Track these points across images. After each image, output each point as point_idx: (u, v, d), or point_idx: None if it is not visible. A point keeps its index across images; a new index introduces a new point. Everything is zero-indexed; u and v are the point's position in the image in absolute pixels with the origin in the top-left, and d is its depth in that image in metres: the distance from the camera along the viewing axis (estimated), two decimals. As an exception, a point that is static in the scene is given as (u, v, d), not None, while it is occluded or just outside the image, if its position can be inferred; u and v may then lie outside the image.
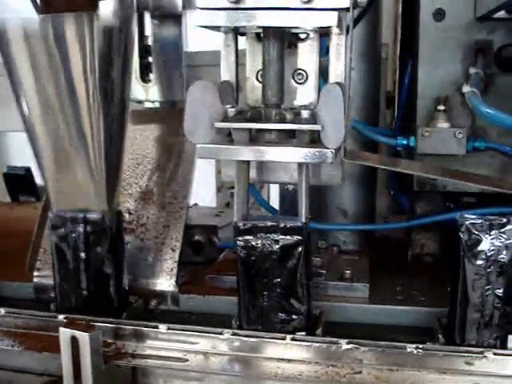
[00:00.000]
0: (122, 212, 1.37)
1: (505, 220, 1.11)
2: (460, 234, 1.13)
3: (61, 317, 1.31)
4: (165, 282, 1.43)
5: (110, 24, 1.20)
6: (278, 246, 1.20)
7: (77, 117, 1.21)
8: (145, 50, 1.67)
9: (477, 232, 1.12)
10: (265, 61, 1.18)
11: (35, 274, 1.51)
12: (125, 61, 1.26)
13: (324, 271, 1.45)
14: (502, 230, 1.11)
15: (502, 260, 1.12)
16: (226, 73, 1.26)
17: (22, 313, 1.35)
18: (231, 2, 1.06)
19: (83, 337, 1.16)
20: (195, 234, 1.60)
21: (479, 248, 1.12)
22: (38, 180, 2.52)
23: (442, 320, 1.24)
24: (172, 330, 1.24)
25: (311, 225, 1.24)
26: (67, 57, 1.15)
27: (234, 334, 1.21)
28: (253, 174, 1.30)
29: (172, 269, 1.44)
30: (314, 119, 1.12)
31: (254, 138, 1.17)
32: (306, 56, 1.24)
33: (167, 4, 1.55)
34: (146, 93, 1.66)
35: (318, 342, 1.18)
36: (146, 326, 1.26)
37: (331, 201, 1.64)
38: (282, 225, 1.20)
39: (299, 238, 1.20)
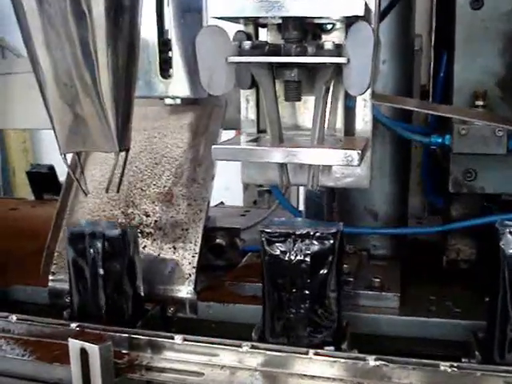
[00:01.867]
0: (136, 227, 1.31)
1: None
2: (500, 243, 1.03)
3: (73, 325, 1.25)
4: (183, 289, 1.36)
5: None
6: (308, 255, 1.11)
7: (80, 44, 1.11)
8: (165, 45, 1.59)
9: None
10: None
11: (50, 278, 1.46)
12: None
13: (352, 279, 1.35)
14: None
15: (548, 272, 1.01)
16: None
17: (33, 320, 1.30)
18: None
19: (93, 349, 1.09)
20: (216, 237, 1.52)
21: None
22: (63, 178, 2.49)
23: (478, 334, 1.14)
24: (188, 341, 1.17)
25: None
26: None
27: (253, 347, 1.13)
28: (275, 175, 1.21)
29: (190, 274, 1.36)
30: (338, 51, 1.01)
31: (275, 75, 1.08)
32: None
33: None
34: (166, 89, 1.58)
35: (343, 358, 1.09)
36: (161, 337, 1.19)
37: (359, 201, 1.55)
38: (313, 232, 1.12)
39: (331, 246, 1.12)
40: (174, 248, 1.39)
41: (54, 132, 1.21)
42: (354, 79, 1.01)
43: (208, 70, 1.06)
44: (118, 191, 1.26)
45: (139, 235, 1.40)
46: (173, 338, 1.18)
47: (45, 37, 1.12)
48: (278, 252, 1.13)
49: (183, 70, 1.59)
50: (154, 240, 1.41)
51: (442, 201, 1.59)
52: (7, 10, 4.09)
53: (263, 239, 1.14)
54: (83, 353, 1.11)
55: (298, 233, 1.12)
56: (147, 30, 1.51)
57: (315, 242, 1.12)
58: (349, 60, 1.00)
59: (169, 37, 1.59)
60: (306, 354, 1.11)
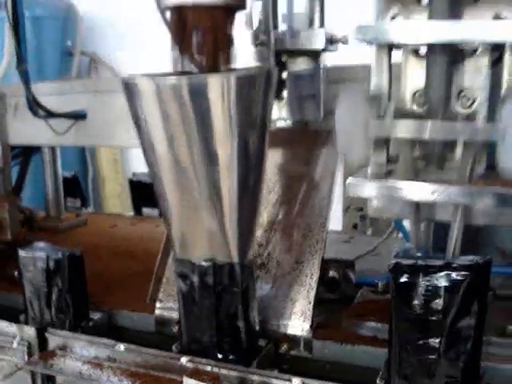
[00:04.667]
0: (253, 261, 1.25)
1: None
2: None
3: (184, 359, 1.19)
4: (297, 325, 1.28)
5: (249, 75, 1.07)
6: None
7: (210, 170, 1.09)
8: (279, 66, 1.53)
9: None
10: (429, 80, 1.01)
11: (157, 305, 1.41)
12: (264, 113, 1.12)
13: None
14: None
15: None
16: (378, 88, 1.10)
17: (142, 351, 1.25)
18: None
19: (210, 392, 1.03)
20: (329, 269, 1.43)
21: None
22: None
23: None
24: (307, 385, 1.09)
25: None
26: (203, 114, 1.03)
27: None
28: (405, 209, 1.12)
29: (306, 311, 1.28)
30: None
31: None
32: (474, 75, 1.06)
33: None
34: (279, 110, 1.52)
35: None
36: (277, 378, 1.12)
37: (489, 239, 1.42)
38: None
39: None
40: (289, 281, 1.31)
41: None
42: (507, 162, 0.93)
43: (345, 134, 1.03)
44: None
45: (251, 265, 1.34)
46: (290, 381, 1.11)
47: (175, 177, 1.11)
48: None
49: (295, 91, 1.53)
50: (267, 272, 1.34)
51: None
52: (97, 25, 4.20)
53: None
54: (199, 394, 1.05)
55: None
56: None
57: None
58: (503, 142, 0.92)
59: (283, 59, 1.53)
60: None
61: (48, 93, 1.99)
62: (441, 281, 0.97)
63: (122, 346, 1.28)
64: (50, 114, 1.93)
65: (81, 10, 4.77)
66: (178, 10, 1.07)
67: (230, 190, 1.10)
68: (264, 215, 1.39)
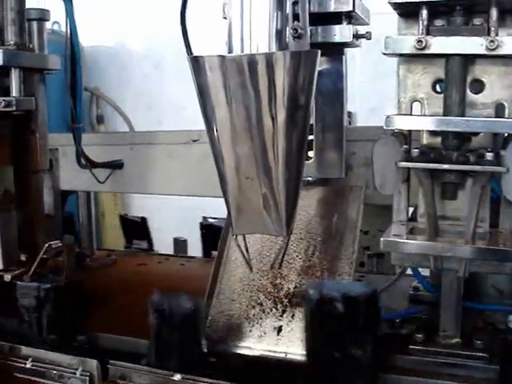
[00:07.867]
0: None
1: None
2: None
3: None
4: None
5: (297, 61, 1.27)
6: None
7: (262, 144, 1.29)
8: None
9: None
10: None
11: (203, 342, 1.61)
12: (308, 92, 1.32)
13: (487, 355, 1.45)
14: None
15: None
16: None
17: (199, 380, 1.45)
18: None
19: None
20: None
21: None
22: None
23: None
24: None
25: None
26: (260, 89, 1.24)
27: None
28: (422, 259, 1.36)
29: (337, 342, 1.50)
30: (497, 161, 1.18)
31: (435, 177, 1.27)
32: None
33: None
34: (306, 169, 1.74)
35: None
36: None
37: (486, 280, 1.66)
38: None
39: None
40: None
41: (229, 215, 1.40)
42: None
43: (381, 173, 1.23)
44: (280, 267, 1.44)
45: (287, 304, 1.56)
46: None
47: (231, 136, 1.30)
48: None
49: (321, 152, 1.76)
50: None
51: None
52: (102, 62, 4.47)
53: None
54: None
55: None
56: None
57: None
58: (508, 169, 1.14)
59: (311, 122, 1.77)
60: None
61: (89, 143, 2.22)
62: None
63: (178, 376, 1.48)
64: (93, 165, 2.15)
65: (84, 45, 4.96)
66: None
67: (278, 160, 1.30)
68: (297, 260, 1.62)
